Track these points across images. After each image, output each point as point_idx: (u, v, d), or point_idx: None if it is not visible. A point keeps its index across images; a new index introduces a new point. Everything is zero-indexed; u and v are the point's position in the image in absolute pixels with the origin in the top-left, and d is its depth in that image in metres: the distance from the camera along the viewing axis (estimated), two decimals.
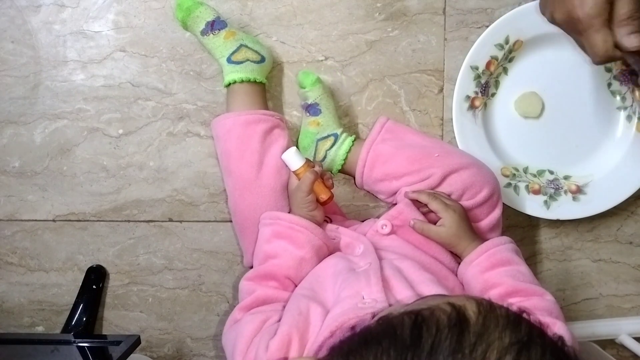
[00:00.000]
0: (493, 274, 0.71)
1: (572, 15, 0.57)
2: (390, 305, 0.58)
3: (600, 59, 0.59)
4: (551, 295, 0.70)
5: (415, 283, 0.64)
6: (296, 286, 0.71)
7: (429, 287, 0.63)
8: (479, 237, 0.76)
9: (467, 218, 0.75)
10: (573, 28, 0.59)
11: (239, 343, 0.64)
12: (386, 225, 0.76)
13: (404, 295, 0.61)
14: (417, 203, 0.77)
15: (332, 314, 0.59)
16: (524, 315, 0.41)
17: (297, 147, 0.86)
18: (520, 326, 0.39)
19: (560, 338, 0.41)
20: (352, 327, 0.46)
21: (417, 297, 0.59)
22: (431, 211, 0.76)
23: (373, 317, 0.45)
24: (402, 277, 0.65)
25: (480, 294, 0.70)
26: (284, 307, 0.68)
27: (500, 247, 0.73)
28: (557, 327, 0.65)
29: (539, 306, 0.67)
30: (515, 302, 0.66)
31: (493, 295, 0.69)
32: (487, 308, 0.40)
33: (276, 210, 0.76)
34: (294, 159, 0.75)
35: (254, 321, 0.66)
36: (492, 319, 0.39)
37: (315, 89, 0.83)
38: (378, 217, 0.80)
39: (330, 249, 0.74)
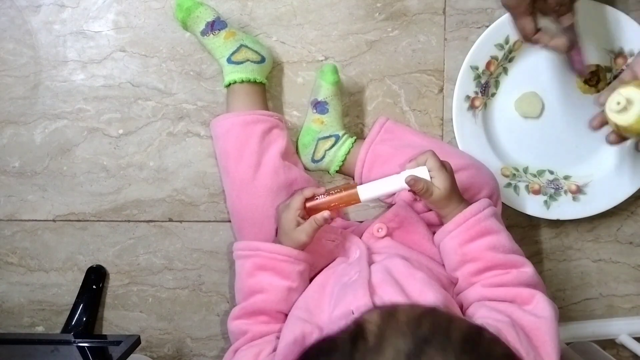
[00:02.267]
0: (472, 247, 0.69)
1: (505, 4, 0.71)
2: None
3: (525, 40, 0.73)
4: (530, 266, 0.69)
5: (405, 284, 0.64)
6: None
7: (418, 287, 0.63)
8: (465, 200, 0.72)
9: (455, 180, 0.71)
10: (510, 13, 0.73)
11: None
12: (382, 229, 0.76)
13: (393, 300, 0.60)
14: (413, 205, 0.77)
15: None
16: (433, 311, 0.41)
17: (297, 143, 0.86)
18: (419, 329, 0.39)
19: (476, 329, 0.40)
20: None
21: (407, 300, 0.60)
22: (428, 210, 0.76)
23: None
24: (392, 279, 0.64)
25: (457, 267, 0.70)
26: (278, 336, 0.67)
27: (479, 216, 0.70)
28: (535, 299, 0.65)
29: (517, 279, 0.67)
30: (491, 277, 0.67)
31: (470, 269, 0.69)
32: (387, 316, 0.40)
33: (274, 211, 0.76)
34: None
35: (247, 356, 0.65)
36: (391, 327, 0.39)
37: (333, 88, 0.82)
38: (375, 218, 0.80)
39: (314, 267, 0.73)
